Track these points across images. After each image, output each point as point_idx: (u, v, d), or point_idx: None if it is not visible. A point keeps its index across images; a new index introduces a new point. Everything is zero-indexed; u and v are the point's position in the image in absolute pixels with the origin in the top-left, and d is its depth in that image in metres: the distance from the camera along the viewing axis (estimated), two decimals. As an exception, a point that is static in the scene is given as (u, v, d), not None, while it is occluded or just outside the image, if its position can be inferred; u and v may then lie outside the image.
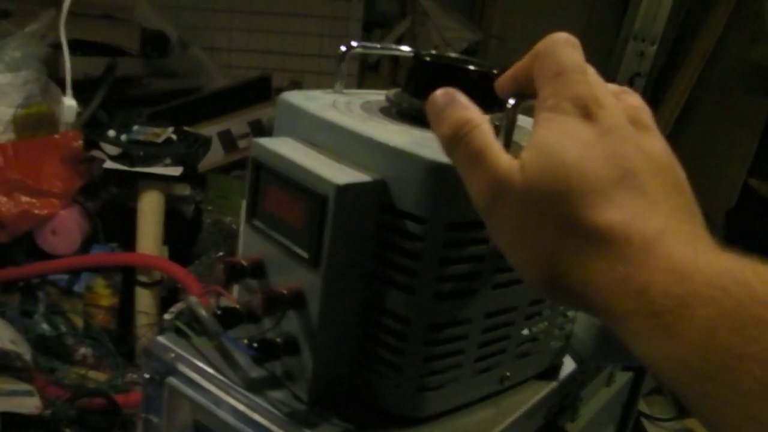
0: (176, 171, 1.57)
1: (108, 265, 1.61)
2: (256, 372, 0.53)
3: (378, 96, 0.58)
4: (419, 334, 0.48)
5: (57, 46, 1.62)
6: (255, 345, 0.48)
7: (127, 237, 1.62)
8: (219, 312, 0.50)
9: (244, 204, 1.58)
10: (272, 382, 0.52)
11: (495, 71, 0.50)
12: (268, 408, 0.50)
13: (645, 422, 1.55)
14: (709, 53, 1.83)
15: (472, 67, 0.51)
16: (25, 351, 1.51)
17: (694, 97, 1.87)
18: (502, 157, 0.39)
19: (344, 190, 0.45)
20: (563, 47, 0.40)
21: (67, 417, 1.43)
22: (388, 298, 0.48)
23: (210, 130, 1.83)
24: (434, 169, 0.45)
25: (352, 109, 0.53)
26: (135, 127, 1.62)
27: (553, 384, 0.59)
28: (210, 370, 0.53)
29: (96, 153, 1.61)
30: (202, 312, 0.51)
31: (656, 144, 0.40)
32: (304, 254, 0.47)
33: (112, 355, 1.61)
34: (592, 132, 0.38)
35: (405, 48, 0.59)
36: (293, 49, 2.19)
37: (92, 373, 1.59)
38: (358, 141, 0.48)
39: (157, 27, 1.93)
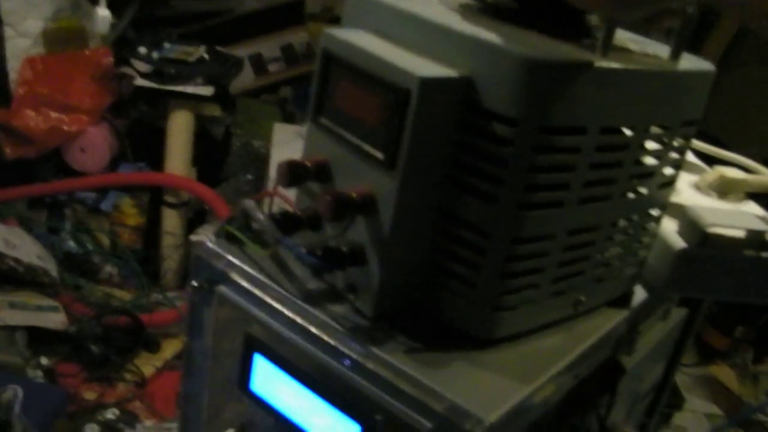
0: (208, 91, 1.53)
1: (136, 184, 1.59)
2: (314, 284, 0.49)
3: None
4: (499, 248, 0.44)
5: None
6: (318, 252, 0.45)
7: (155, 157, 1.59)
8: (279, 216, 0.47)
9: (275, 127, 1.52)
10: (332, 295, 0.49)
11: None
12: (328, 322, 0.46)
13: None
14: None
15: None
16: (52, 267, 1.50)
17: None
18: None
19: (428, 84, 0.41)
20: None
21: (93, 334, 1.42)
22: (468, 208, 0.44)
23: (241, 52, 1.78)
24: (530, 65, 0.40)
25: (431, 2, 0.48)
26: (166, 45, 1.58)
27: (625, 312, 0.55)
28: (264, 279, 0.49)
29: (126, 70, 1.57)
30: (260, 215, 0.47)
31: None
32: (379, 155, 0.43)
33: (138, 275, 1.60)
34: None
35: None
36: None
37: (117, 292, 1.58)
38: (442, 34, 0.43)
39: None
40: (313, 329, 0.46)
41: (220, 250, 0.51)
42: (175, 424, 1.14)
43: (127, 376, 1.40)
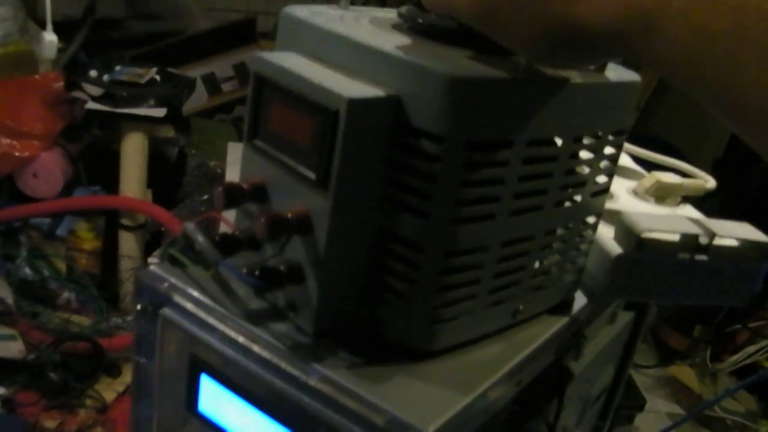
0: (160, 112, 1.53)
1: (91, 208, 1.58)
2: (255, 303, 0.50)
3: (387, 13, 0.54)
4: (433, 261, 0.45)
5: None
6: (257, 273, 0.45)
7: (110, 180, 1.58)
8: (217, 238, 0.47)
9: (229, 147, 1.52)
10: (273, 313, 0.49)
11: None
12: (269, 340, 0.47)
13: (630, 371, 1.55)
14: None
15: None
16: (7, 295, 1.48)
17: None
18: None
19: (356, 104, 0.42)
20: None
21: (52, 361, 1.40)
22: (401, 224, 0.45)
23: (193, 73, 1.78)
24: (455, 83, 0.41)
25: (362, 24, 0.49)
26: (118, 68, 1.58)
27: (565, 319, 0.56)
28: (207, 301, 0.50)
29: (78, 94, 1.56)
30: (200, 238, 0.47)
31: None
32: (312, 175, 0.44)
33: (96, 300, 1.58)
34: None
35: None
36: (279, -9, 2.13)
37: (76, 318, 1.57)
38: (370, 55, 0.44)
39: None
40: (255, 348, 0.47)
41: (162, 273, 0.51)
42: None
43: (88, 402, 1.39)
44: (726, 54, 0.33)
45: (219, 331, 0.48)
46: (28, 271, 1.60)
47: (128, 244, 1.60)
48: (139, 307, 0.52)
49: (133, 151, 1.55)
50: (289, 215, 0.44)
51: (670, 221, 0.60)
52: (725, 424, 1.42)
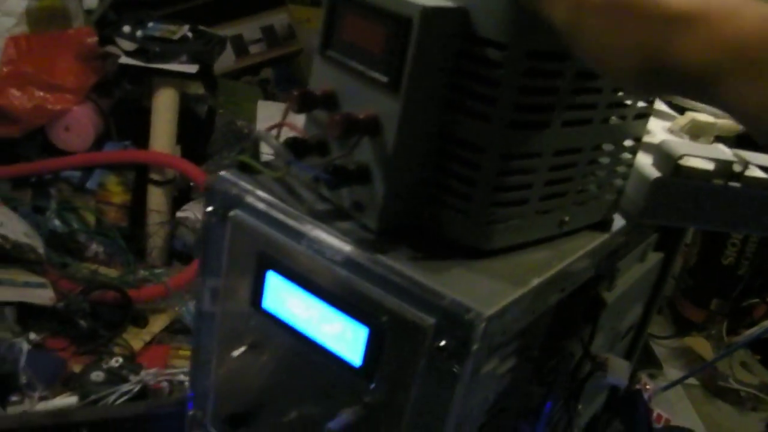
0: (192, 68, 1.56)
1: (121, 162, 1.61)
2: (322, 205, 0.54)
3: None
4: (492, 163, 0.49)
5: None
6: (329, 169, 0.49)
7: (140, 135, 1.61)
8: (290, 140, 0.51)
9: (259, 105, 1.55)
10: (339, 213, 0.53)
11: None
12: (337, 235, 0.51)
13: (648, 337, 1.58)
14: None
15: None
16: (39, 245, 1.52)
17: None
18: None
19: (428, 13, 0.45)
20: None
21: (81, 309, 1.44)
22: (464, 127, 0.49)
23: (222, 33, 1.81)
24: (519, -5, 0.45)
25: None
26: (150, 24, 1.60)
27: (605, 235, 0.60)
28: (276, 201, 0.53)
29: (111, 49, 1.59)
30: (273, 141, 0.51)
31: None
32: (383, 78, 0.47)
33: (124, 252, 1.61)
34: None
35: None
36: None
37: (104, 269, 1.60)
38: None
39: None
40: (323, 242, 0.51)
41: (233, 178, 0.55)
42: (177, 370, 1.18)
43: (116, 350, 1.43)
44: None
45: (288, 227, 0.52)
46: (57, 222, 1.64)
47: (156, 198, 1.63)
48: (210, 208, 0.55)
49: (164, 107, 1.58)
50: (361, 117, 0.48)
51: (706, 150, 0.63)
52: (739, 395, 1.44)
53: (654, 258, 0.80)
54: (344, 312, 0.50)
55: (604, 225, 0.60)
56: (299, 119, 0.55)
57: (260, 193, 0.54)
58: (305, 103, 0.51)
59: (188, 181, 1.61)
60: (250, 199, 0.54)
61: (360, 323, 0.49)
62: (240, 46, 1.88)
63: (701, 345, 1.62)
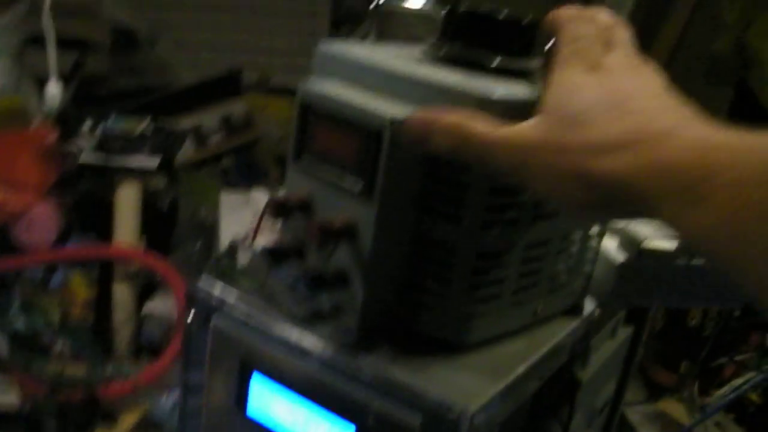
0: (153, 163, 1.57)
1: (85, 258, 1.60)
2: (301, 310, 0.55)
3: (408, 49, 0.60)
4: (465, 262, 0.50)
5: (27, 41, 1.61)
6: (307, 277, 0.50)
7: (103, 230, 1.61)
8: (266, 249, 0.52)
9: (222, 196, 1.56)
10: (319, 317, 0.54)
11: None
12: (319, 339, 0.51)
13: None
14: (672, 47, 1.89)
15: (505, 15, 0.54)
16: (2, 346, 1.49)
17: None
18: (501, 129, 0.45)
19: (397, 124, 0.47)
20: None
21: (48, 411, 1.41)
22: (436, 229, 0.50)
23: (181, 126, 1.83)
24: (485, 103, 0.47)
25: (392, 56, 0.55)
26: (110, 120, 1.62)
27: (578, 320, 0.62)
28: (255, 308, 0.54)
29: (71, 146, 1.60)
30: (249, 250, 0.52)
31: (655, 80, 0.44)
32: (357, 187, 0.49)
33: (90, 349, 1.59)
34: (596, 80, 0.43)
35: (429, 6, 0.61)
36: (261, 47, 2.20)
37: (70, 368, 1.58)
38: (406, 81, 0.50)
39: (125, 23, 1.92)
40: (305, 346, 0.51)
41: (212, 286, 0.56)
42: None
43: (86, 450, 1.40)
44: None
45: (270, 332, 0.53)
46: (21, 322, 1.62)
47: (122, 293, 1.62)
48: (189, 318, 0.56)
49: (126, 201, 1.58)
50: (337, 223, 0.50)
51: (667, 230, 0.65)
52: (712, 450, 1.45)
53: (624, 332, 0.82)
54: (331, 413, 0.51)
55: (575, 310, 0.62)
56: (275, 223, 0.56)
57: (239, 300, 0.55)
58: (281, 210, 0.52)
59: (153, 275, 1.61)
60: (229, 307, 0.55)
61: (347, 423, 0.50)
62: (199, 136, 1.89)
63: (674, 408, 1.63)
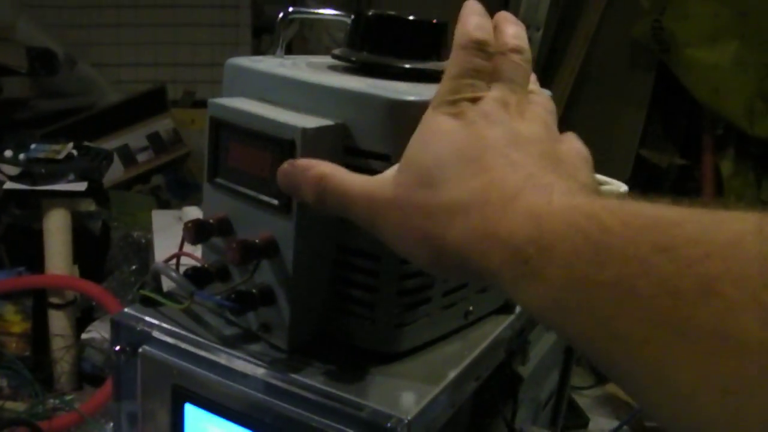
0: (81, 186, 1.54)
1: (17, 289, 1.56)
2: (229, 330, 0.54)
3: (318, 59, 0.59)
4: (390, 269, 0.50)
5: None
6: (232, 296, 0.49)
7: (34, 259, 1.57)
8: (190, 272, 0.51)
9: (153, 214, 1.54)
10: (248, 337, 0.53)
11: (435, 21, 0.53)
12: (249, 359, 0.51)
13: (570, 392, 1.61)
14: (592, 34, 1.92)
15: (413, 18, 0.53)
16: (-63, 387, 1.45)
17: (582, 78, 1.96)
18: (362, 181, 0.44)
19: (310, 133, 0.46)
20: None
21: (-9, 450, 1.37)
22: (358, 238, 0.50)
23: (107, 146, 1.80)
24: (395, 107, 0.47)
25: (300, 67, 0.54)
26: (33, 146, 1.58)
27: (511, 317, 0.62)
28: (184, 333, 0.53)
29: (-7, 175, 1.56)
30: (173, 274, 0.51)
31: (529, 127, 0.42)
32: (275, 202, 0.48)
33: (30, 383, 1.55)
34: (458, 128, 0.41)
35: (339, 12, 0.61)
36: (184, 60, 2.17)
37: (10, 404, 1.54)
38: (315, 91, 0.49)
39: (42, 45, 1.88)
40: (236, 368, 0.50)
41: (137, 314, 0.55)
42: None
43: (33, 487, 1.36)
44: (605, 305, 0.31)
45: (199, 357, 0.52)
46: (-45, 361, 1.57)
47: (59, 322, 1.58)
48: (117, 348, 0.54)
49: (56, 227, 1.55)
50: (257, 241, 0.49)
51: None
52: (661, 432, 1.47)
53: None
54: (266, 437, 0.50)
55: (507, 308, 0.62)
56: (197, 247, 0.55)
57: (166, 326, 0.54)
58: (200, 233, 0.51)
59: (90, 301, 1.57)
60: (157, 334, 0.53)
61: (284, 446, 0.49)
62: (127, 156, 1.87)
63: (622, 390, 1.65)
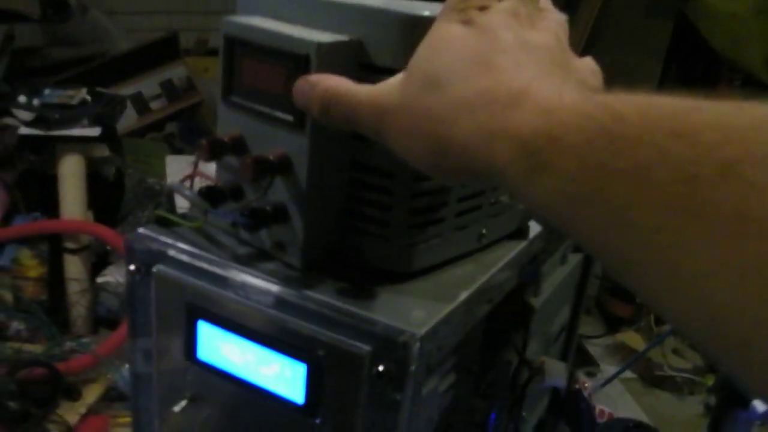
0: (95, 132, 1.54)
1: (33, 234, 1.57)
2: (243, 249, 0.54)
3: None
4: (404, 186, 0.50)
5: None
6: (246, 213, 0.49)
7: (49, 205, 1.58)
8: (204, 190, 0.51)
9: (168, 160, 1.55)
10: (262, 255, 0.53)
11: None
12: (263, 276, 0.51)
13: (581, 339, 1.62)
14: None
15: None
16: (-44, 330, 1.47)
17: (600, 25, 1.93)
18: (367, 90, 0.43)
19: (324, 48, 0.46)
20: None
21: (8, 390, 1.39)
22: (372, 155, 0.50)
23: (120, 93, 1.80)
24: (410, 22, 0.46)
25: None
26: (47, 91, 1.58)
27: (524, 242, 0.62)
28: (198, 251, 0.53)
29: (8, 121, 1.56)
30: (187, 192, 0.51)
31: (539, 35, 0.42)
32: (289, 117, 0.48)
33: (47, 326, 1.57)
34: (467, 33, 0.40)
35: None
36: (197, 8, 2.16)
37: (28, 346, 1.56)
38: (330, 7, 0.49)
39: (55, -8, 1.87)
40: (250, 285, 0.51)
41: (152, 233, 0.55)
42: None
43: (51, 427, 1.38)
44: (619, 194, 0.29)
45: (214, 275, 0.52)
46: (-28, 304, 1.59)
47: (74, 266, 1.60)
48: (132, 267, 0.55)
49: (71, 173, 1.55)
50: (271, 157, 0.49)
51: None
52: (675, 382, 1.48)
53: (575, 259, 0.83)
54: (280, 352, 0.50)
55: (521, 233, 0.62)
56: (211, 168, 0.55)
57: (181, 245, 0.54)
58: (214, 151, 0.51)
59: (105, 246, 1.58)
60: (172, 253, 0.54)
61: (297, 361, 0.49)
62: (141, 103, 1.86)
63: (633, 339, 1.66)
